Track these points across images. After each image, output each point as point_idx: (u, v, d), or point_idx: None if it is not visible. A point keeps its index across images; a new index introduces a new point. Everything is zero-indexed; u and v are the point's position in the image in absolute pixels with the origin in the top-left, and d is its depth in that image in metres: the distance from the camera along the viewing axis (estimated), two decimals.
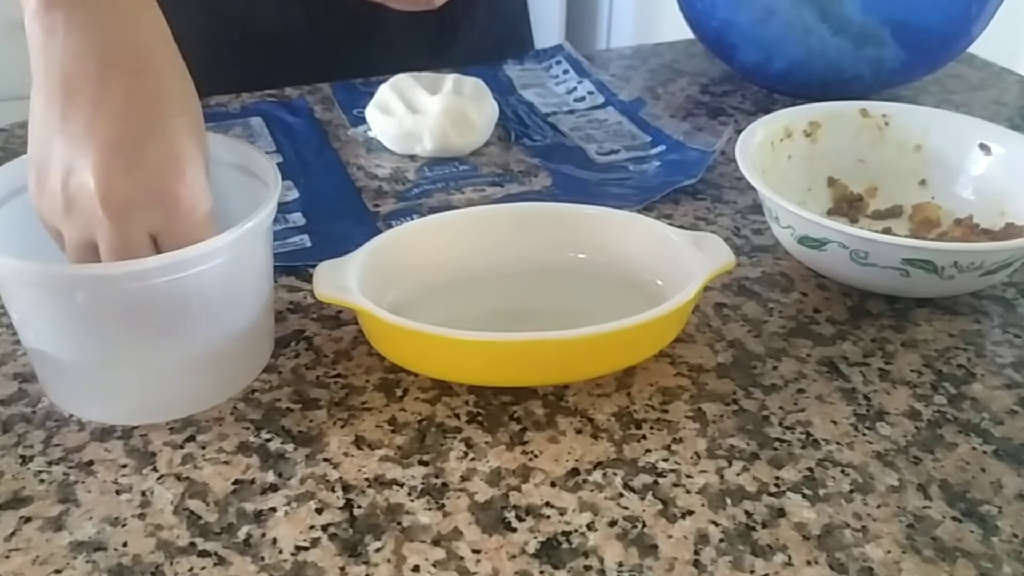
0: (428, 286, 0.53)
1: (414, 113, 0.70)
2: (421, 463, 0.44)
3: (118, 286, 0.42)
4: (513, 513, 0.41)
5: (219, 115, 0.76)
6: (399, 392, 0.48)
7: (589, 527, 0.41)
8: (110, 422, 0.46)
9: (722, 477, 0.43)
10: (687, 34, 0.87)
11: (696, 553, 0.40)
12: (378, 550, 0.40)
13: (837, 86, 0.76)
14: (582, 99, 0.81)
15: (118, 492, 0.42)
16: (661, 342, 0.49)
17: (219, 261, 0.44)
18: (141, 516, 0.41)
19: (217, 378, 0.47)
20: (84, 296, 0.42)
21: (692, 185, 0.67)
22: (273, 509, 0.41)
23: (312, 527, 0.41)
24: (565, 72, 0.85)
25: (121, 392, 0.46)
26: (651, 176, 0.68)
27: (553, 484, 0.43)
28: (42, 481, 0.43)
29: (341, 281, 0.47)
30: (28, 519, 0.41)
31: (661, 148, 0.72)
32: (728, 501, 0.42)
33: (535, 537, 0.40)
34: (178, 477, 0.43)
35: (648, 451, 0.45)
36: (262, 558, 0.39)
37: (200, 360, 0.46)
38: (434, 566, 0.39)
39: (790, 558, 0.40)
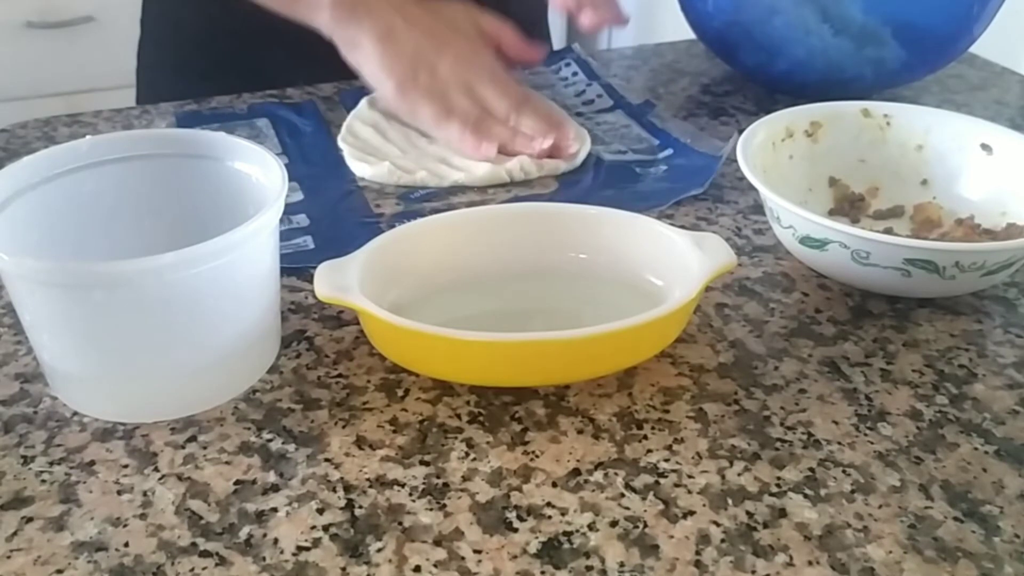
0: (429, 286, 0.53)
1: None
2: (422, 463, 0.44)
3: (136, 282, 0.42)
4: (514, 513, 0.41)
5: (225, 116, 0.76)
6: (400, 392, 0.48)
7: (590, 527, 0.41)
8: (119, 420, 0.46)
9: (723, 477, 0.43)
10: (688, 34, 0.87)
11: (697, 553, 0.40)
12: (379, 550, 0.40)
13: (838, 86, 0.75)
14: (591, 102, 0.80)
15: (119, 492, 0.42)
16: (662, 342, 0.49)
17: (231, 257, 0.44)
18: (142, 516, 0.41)
19: (226, 376, 0.47)
20: (102, 294, 0.42)
21: None
22: (274, 509, 0.41)
23: (313, 527, 0.41)
24: (575, 74, 0.85)
25: (131, 391, 0.46)
26: (658, 180, 0.68)
27: (554, 484, 0.43)
28: (43, 481, 0.43)
29: (342, 281, 0.47)
30: (29, 519, 0.41)
31: (669, 152, 0.72)
32: (729, 501, 0.42)
33: (536, 537, 0.40)
34: (179, 477, 0.43)
35: (649, 451, 0.45)
36: (263, 558, 0.39)
37: (211, 358, 0.46)
38: (435, 566, 0.39)
39: (791, 558, 0.40)
